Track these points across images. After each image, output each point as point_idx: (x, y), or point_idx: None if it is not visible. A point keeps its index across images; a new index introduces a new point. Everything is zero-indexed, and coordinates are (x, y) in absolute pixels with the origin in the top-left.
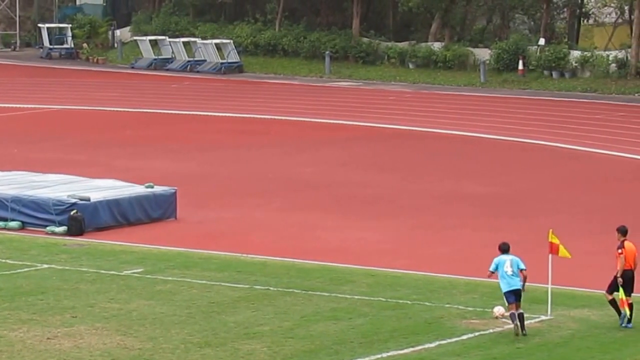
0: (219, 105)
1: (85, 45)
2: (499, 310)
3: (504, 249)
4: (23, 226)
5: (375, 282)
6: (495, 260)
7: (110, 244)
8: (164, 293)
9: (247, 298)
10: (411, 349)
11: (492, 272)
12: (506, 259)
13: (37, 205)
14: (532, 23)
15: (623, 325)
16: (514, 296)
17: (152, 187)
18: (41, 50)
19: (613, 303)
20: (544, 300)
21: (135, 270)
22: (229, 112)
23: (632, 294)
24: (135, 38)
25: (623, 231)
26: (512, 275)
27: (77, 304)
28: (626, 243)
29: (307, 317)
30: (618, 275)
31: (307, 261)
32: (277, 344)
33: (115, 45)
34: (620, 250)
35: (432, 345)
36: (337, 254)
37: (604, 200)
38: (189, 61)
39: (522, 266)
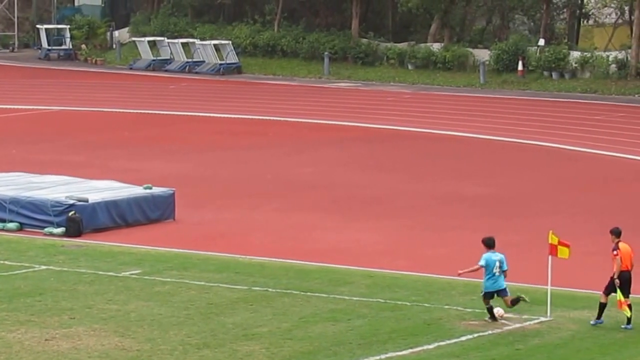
0: (218, 106)
1: (83, 46)
2: (498, 311)
3: (490, 244)
4: (21, 227)
5: (374, 283)
6: (486, 256)
7: (108, 245)
8: (162, 294)
9: (246, 299)
10: (410, 351)
11: (481, 267)
12: (495, 258)
13: (35, 206)
14: (532, 24)
15: (623, 327)
16: (495, 295)
17: (150, 188)
18: (39, 51)
19: (602, 306)
20: (544, 301)
21: (133, 272)
22: (228, 113)
23: (629, 295)
24: (133, 39)
25: (617, 233)
26: (500, 275)
27: (75, 305)
28: (621, 244)
29: (306, 318)
30: (615, 277)
31: (305, 262)
32: (275, 345)
33: (114, 46)
34: (615, 252)
35: (431, 346)
36: (335, 255)
37: (604, 201)
38: (187, 62)
39: (506, 266)
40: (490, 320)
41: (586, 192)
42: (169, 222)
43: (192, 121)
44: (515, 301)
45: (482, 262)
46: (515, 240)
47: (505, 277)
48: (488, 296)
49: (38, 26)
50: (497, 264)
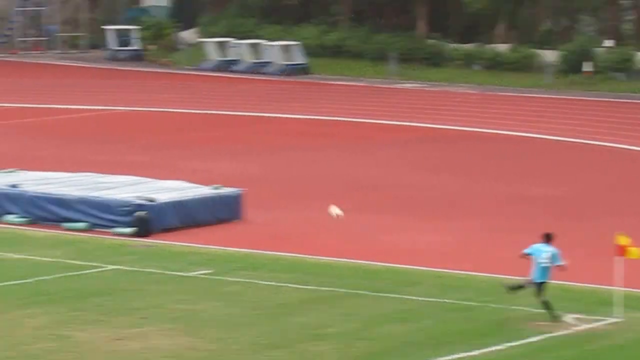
0: (284, 106)
1: (150, 47)
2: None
3: (547, 238)
4: (90, 227)
5: (442, 283)
6: (535, 246)
7: (177, 245)
8: (231, 294)
9: (315, 299)
10: (479, 351)
11: (526, 255)
12: (547, 250)
13: (104, 206)
14: (599, 24)
15: None
16: (540, 286)
17: (218, 188)
18: (107, 52)
19: None
20: (613, 302)
21: (202, 272)
22: (294, 113)
23: None
24: (200, 40)
25: None
26: (547, 267)
27: (145, 305)
28: None
29: (375, 318)
30: None
31: (373, 262)
32: (345, 345)
33: (181, 47)
34: None
35: (500, 347)
36: (403, 255)
37: None
38: (254, 63)
39: (561, 262)
40: (555, 320)
41: None
42: (237, 223)
43: (259, 122)
44: (519, 288)
45: (527, 251)
46: (583, 241)
47: (564, 270)
48: (537, 287)
49: (106, 27)
50: (547, 254)
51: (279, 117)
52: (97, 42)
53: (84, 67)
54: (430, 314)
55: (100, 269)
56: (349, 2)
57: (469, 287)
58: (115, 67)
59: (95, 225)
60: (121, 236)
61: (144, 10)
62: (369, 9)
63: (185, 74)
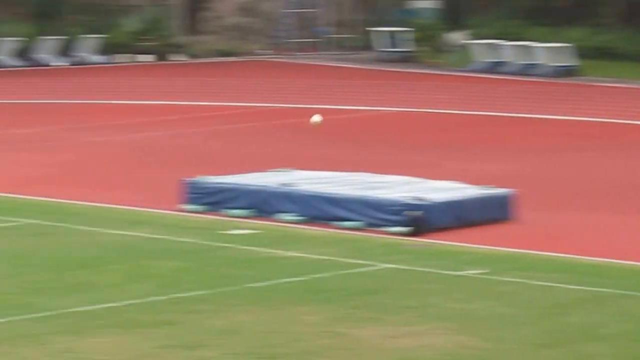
0: (552, 108)
1: (419, 48)
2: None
3: None
4: (363, 226)
5: None
6: None
7: (449, 244)
8: (505, 294)
9: (588, 300)
10: None
11: None
12: None
13: (377, 205)
14: None
15: None
16: None
17: (490, 188)
18: (375, 53)
19: None
20: None
21: (475, 271)
22: (563, 115)
23: None
24: (469, 41)
25: None
26: None
27: (417, 304)
28: None
29: None
30: None
31: None
32: (621, 346)
33: (450, 48)
34: None
35: None
36: None
37: None
38: (523, 65)
39: None
40: None
41: None
42: (509, 223)
43: (526, 123)
44: None
45: None
46: None
47: None
48: None
49: (373, 28)
50: None
51: (546, 119)
52: (366, 44)
53: (352, 68)
54: None
55: (374, 268)
56: (619, 4)
57: None
58: (383, 68)
59: (368, 224)
60: (394, 235)
61: (412, 12)
62: (639, 10)
63: (453, 75)
